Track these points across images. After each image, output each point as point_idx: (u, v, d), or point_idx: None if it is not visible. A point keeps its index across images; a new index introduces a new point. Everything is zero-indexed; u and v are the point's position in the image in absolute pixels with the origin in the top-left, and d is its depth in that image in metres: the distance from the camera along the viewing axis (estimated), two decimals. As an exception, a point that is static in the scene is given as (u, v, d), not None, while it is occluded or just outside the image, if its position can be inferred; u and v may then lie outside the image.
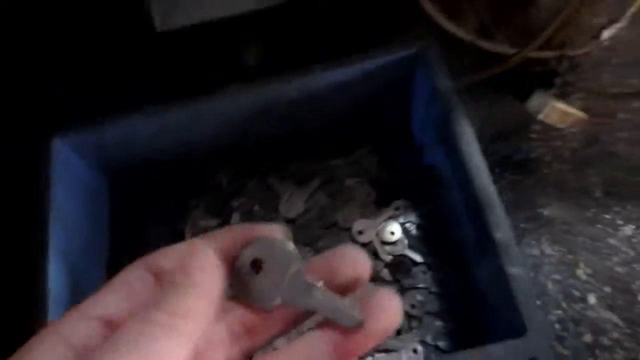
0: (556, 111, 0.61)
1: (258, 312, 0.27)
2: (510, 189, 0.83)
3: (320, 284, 0.27)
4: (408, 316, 0.51)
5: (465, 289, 0.53)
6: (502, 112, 0.73)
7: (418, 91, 0.51)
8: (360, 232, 0.55)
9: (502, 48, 0.55)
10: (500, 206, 0.46)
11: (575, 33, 0.65)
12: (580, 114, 0.64)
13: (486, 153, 0.82)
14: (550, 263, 0.80)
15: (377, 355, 0.48)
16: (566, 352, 0.77)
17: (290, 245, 0.28)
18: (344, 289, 0.27)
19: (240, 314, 0.27)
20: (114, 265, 0.70)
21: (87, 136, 0.58)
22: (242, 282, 0.27)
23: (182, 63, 0.88)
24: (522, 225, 0.82)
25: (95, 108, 0.71)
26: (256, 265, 0.27)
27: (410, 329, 0.50)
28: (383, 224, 0.55)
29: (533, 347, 0.39)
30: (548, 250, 0.81)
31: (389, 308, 0.25)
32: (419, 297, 0.52)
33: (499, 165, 0.85)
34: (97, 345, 0.21)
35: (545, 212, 0.82)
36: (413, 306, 0.51)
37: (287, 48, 0.82)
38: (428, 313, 0.51)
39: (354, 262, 0.26)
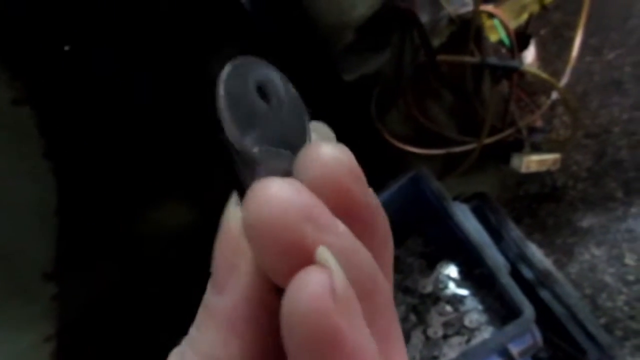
0: (532, 162, 0.86)
1: None
2: (550, 216, 1.06)
3: None
4: (469, 330, 0.78)
5: (495, 299, 0.79)
6: (505, 172, 0.99)
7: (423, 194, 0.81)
8: (423, 287, 0.83)
9: (467, 146, 0.83)
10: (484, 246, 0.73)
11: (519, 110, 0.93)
12: (552, 156, 0.89)
13: (518, 196, 1.08)
14: (602, 261, 1.00)
15: None
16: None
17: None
18: None
19: None
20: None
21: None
22: (237, 106, 0.19)
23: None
24: (568, 240, 1.04)
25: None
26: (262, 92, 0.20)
27: (472, 338, 0.76)
28: (435, 278, 0.83)
29: (527, 322, 0.65)
30: (597, 252, 1.01)
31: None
32: (476, 316, 0.79)
33: (534, 201, 1.09)
34: None
35: (583, 224, 1.04)
36: (471, 322, 0.78)
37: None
38: (481, 324, 0.78)
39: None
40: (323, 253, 0.15)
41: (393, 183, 0.79)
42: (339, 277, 0.15)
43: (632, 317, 0.95)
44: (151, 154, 0.79)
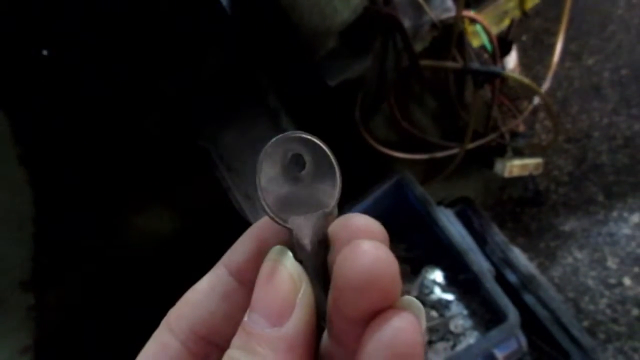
0: (515, 167, 0.87)
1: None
2: (533, 220, 1.07)
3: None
4: (454, 335, 0.78)
5: (479, 304, 0.79)
6: (488, 177, 1.00)
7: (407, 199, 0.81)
8: (408, 292, 0.83)
9: (451, 151, 0.83)
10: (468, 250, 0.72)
11: (503, 113, 0.93)
12: (535, 160, 0.89)
13: (502, 201, 1.08)
14: (584, 265, 1.01)
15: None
16: (622, 329, 0.95)
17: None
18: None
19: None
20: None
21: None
22: (273, 181, 0.21)
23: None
24: (551, 244, 1.04)
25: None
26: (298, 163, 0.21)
27: (457, 343, 0.76)
28: (420, 283, 0.83)
29: (511, 327, 0.65)
30: (579, 255, 1.02)
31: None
32: (461, 321, 0.79)
33: (517, 206, 1.09)
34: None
35: (566, 228, 1.05)
36: (456, 327, 0.78)
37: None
38: (466, 329, 0.78)
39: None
40: (414, 301, 0.20)
41: (377, 188, 0.79)
42: (424, 322, 0.20)
43: (614, 320, 0.96)
44: (130, 162, 0.78)
